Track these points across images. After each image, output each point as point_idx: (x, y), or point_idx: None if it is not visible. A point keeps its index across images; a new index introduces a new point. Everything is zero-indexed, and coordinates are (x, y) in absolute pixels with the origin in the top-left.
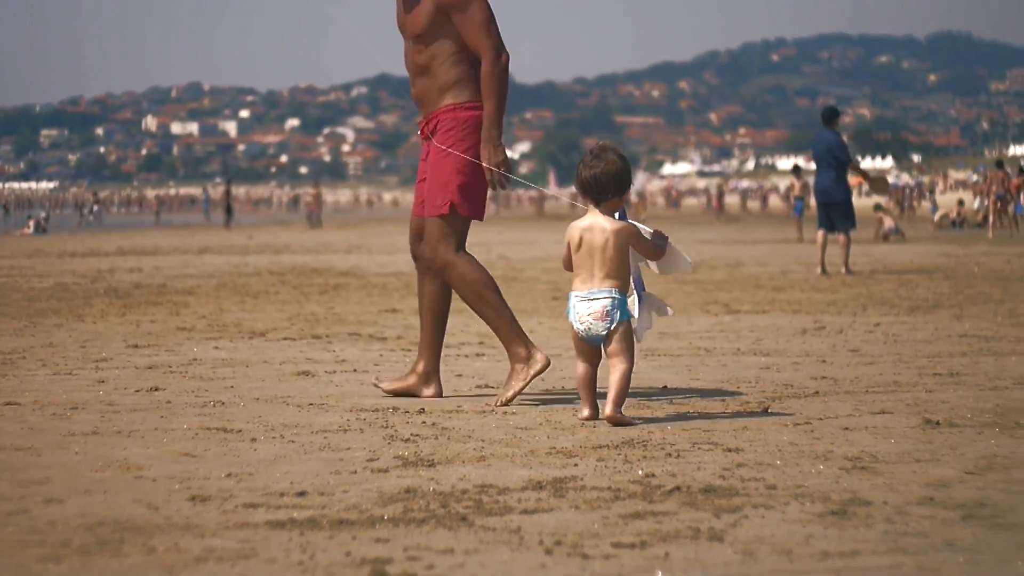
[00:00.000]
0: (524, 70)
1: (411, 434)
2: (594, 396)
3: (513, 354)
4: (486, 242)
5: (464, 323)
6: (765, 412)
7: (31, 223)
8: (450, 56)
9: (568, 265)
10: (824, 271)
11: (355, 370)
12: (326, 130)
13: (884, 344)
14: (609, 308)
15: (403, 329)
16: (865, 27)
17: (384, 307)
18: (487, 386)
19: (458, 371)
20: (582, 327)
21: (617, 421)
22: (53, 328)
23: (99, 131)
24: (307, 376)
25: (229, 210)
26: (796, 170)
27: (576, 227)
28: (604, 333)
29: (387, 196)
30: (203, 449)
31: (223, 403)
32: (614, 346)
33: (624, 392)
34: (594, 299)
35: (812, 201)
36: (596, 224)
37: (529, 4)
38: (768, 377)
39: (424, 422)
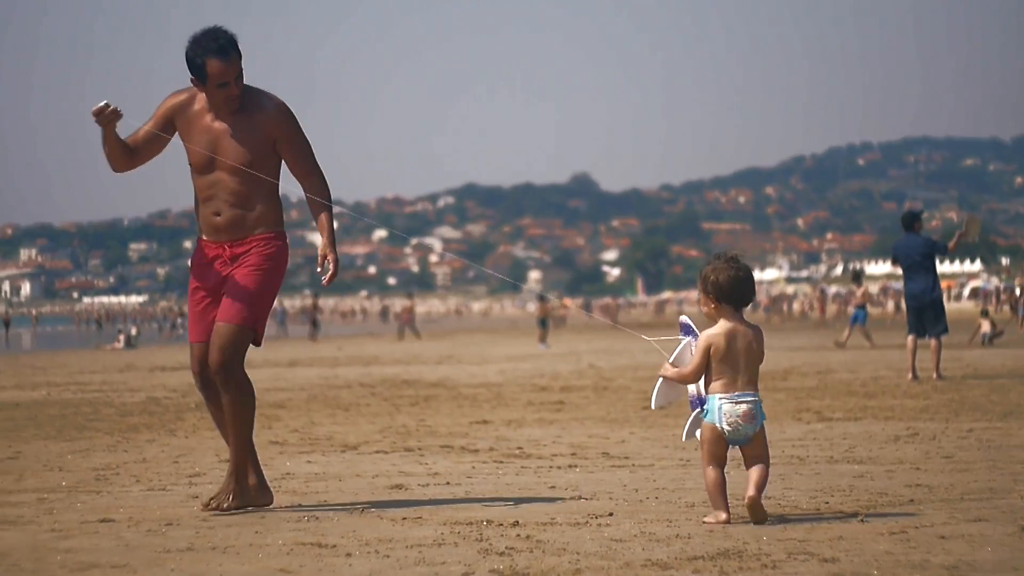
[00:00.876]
0: (610, 178)
1: (506, 547)
2: (727, 499)
3: (243, 474)
4: (575, 351)
5: (555, 435)
6: (860, 521)
7: (121, 337)
8: (272, 189)
9: (696, 375)
10: (915, 376)
11: (448, 483)
12: (414, 240)
13: (978, 450)
14: (755, 411)
15: (495, 441)
16: (950, 130)
17: (475, 418)
18: (580, 498)
19: (551, 483)
20: (729, 428)
21: (758, 504)
22: (146, 443)
23: (187, 244)
24: (400, 489)
25: (315, 323)
26: (857, 277)
27: (719, 334)
28: (751, 434)
29: (476, 306)
30: (298, 565)
31: (317, 518)
32: (758, 446)
33: (766, 482)
34: (741, 401)
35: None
36: (739, 329)
37: (613, 112)
38: (862, 485)
39: (519, 535)
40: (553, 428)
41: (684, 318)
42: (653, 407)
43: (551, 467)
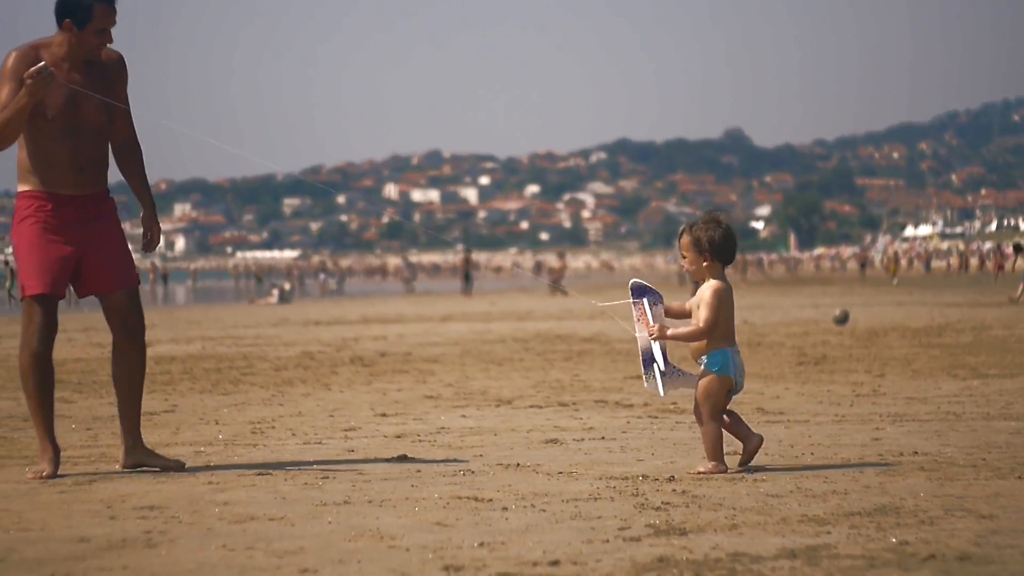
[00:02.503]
0: (763, 133)
1: (662, 502)
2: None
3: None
4: None
5: None
6: (1018, 478)
7: (275, 292)
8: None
9: (711, 330)
10: None
11: (603, 438)
12: (566, 196)
13: None
14: None
15: (649, 396)
16: None
17: (629, 374)
18: (736, 453)
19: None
20: (742, 379)
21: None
22: (301, 397)
23: (341, 199)
24: (555, 444)
25: (468, 277)
26: (1018, 248)
27: (726, 288)
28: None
29: (627, 261)
30: (455, 518)
31: (472, 472)
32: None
33: None
34: (738, 353)
35: None
36: (728, 284)
37: (768, 67)
38: (1019, 442)
39: (674, 490)
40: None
41: (636, 280)
42: (656, 391)
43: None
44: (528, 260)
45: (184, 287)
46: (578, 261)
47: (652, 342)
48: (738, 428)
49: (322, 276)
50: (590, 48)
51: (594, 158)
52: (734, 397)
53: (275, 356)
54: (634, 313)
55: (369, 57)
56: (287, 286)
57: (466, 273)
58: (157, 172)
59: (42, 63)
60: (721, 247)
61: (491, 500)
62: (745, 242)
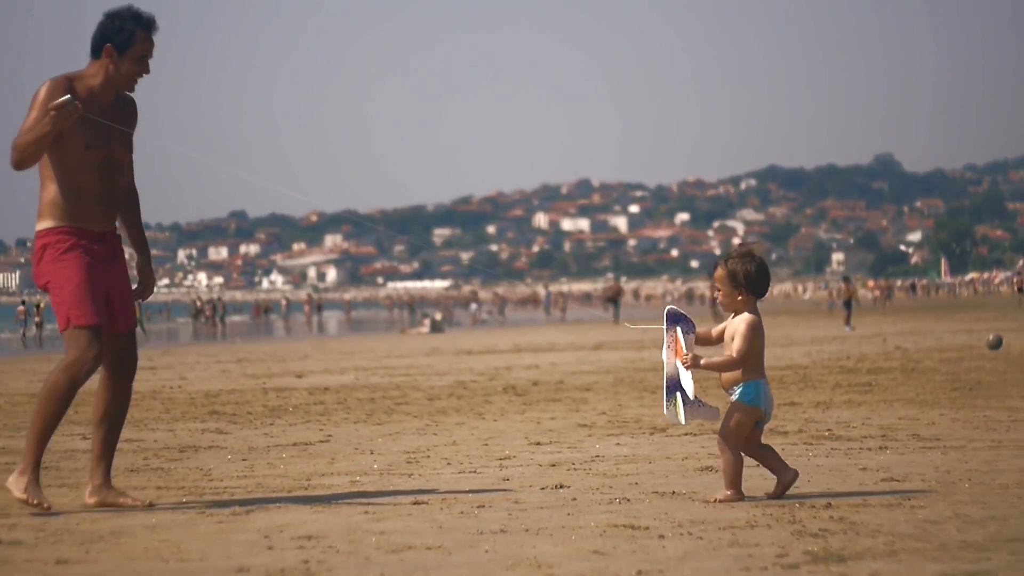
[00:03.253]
0: (913, 158)
1: (819, 529)
2: None
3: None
4: (881, 332)
5: (864, 416)
6: None
7: (427, 322)
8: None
9: (745, 360)
10: None
11: (758, 465)
12: (716, 223)
13: None
14: None
15: (804, 423)
16: None
17: (783, 400)
18: (892, 479)
19: (862, 464)
20: (771, 410)
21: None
22: (455, 426)
23: (491, 229)
24: (710, 471)
25: (616, 305)
26: None
27: (758, 320)
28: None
29: (778, 288)
30: (612, 546)
31: (628, 499)
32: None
33: None
34: (768, 385)
35: None
36: (760, 317)
37: (917, 91)
38: None
39: (831, 516)
40: (862, 410)
41: (672, 308)
42: (675, 420)
43: (861, 448)
44: (678, 288)
45: (336, 317)
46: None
47: (682, 370)
48: (773, 461)
49: (474, 306)
50: (738, 75)
51: (744, 185)
52: (764, 427)
53: (428, 386)
54: (666, 339)
55: (519, 87)
56: (438, 316)
57: (615, 301)
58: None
59: (68, 96)
60: (756, 281)
61: (648, 528)
62: (896, 268)
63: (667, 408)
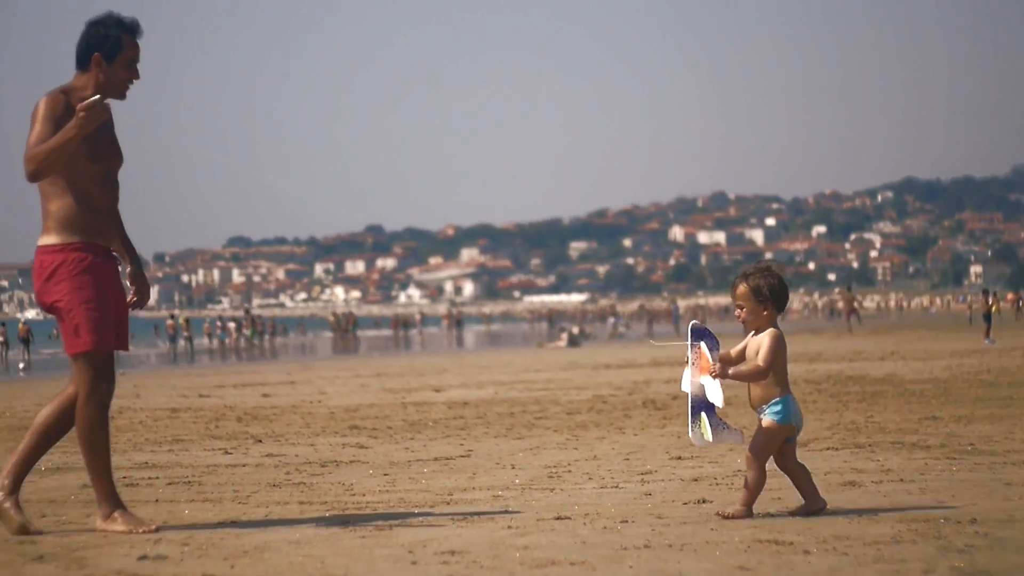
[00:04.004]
0: None
1: (965, 544)
2: None
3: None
4: (1021, 346)
5: (1006, 431)
6: None
7: (564, 336)
8: None
9: (769, 372)
10: None
11: (902, 480)
12: (853, 236)
13: None
14: None
15: (946, 437)
16: None
17: (924, 415)
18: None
19: (1007, 479)
20: (801, 424)
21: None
22: (595, 441)
23: (627, 242)
24: (853, 487)
25: (856, 315)
26: None
27: (782, 335)
28: None
29: (916, 301)
30: (756, 562)
31: (772, 515)
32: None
33: None
34: (795, 400)
35: None
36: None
37: None
38: None
39: (977, 532)
40: (1004, 424)
41: (696, 323)
42: (701, 442)
43: (1005, 463)
44: (815, 301)
45: (476, 331)
46: (869, 301)
47: (709, 384)
48: (805, 484)
49: (611, 320)
50: (875, 86)
51: (880, 197)
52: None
53: (567, 400)
54: (690, 356)
55: (655, 100)
56: (576, 329)
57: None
58: (444, 217)
59: (98, 96)
60: (780, 295)
61: (792, 543)
62: None
63: (692, 429)
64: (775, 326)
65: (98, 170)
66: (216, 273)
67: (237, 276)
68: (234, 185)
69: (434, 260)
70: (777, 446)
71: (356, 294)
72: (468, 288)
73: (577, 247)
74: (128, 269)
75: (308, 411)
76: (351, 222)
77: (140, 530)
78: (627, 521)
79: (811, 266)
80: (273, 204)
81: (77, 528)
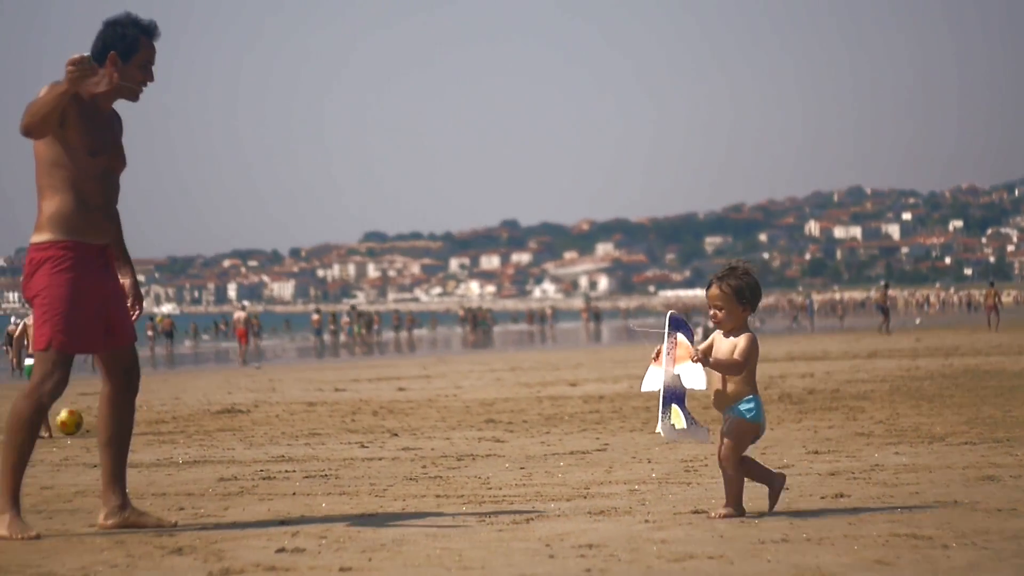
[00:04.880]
0: None
1: None
2: None
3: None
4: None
5: None
6: None
7: (699, 330)
8: None
9: (747, 362)
10: None
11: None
12: (990, 230)
13: None
14: None
15: None
16: None
17: None
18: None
19: None
20: (765, 429)
21: None
22: None
23: (762, 237)
24: (992, 481)
25: (886, 313)
26: None
27: (756, 337)
28: None
29: None
30: (895, 556)
31: (909, 509)
32: None
33: None
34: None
35: None
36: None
37: None
38: None
39: None
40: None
41: (674, 313)
42: (672, 434)
43: None
44: (953, 296)
45: (608, 326)
46: (1006, 296)
47: (687, 373)
48: (760, 472)
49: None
50: (1009, 80)
51: (1018, 191)
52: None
53: (703, 394)
54: (665, 346)
55: (791, 93)
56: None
57: (884, 308)
58: (579, 211)
59: (86, 54)
60: (756, 295)
61: (931, 538)
62: None
63: (662, 420)
64: (747, 326)
65: (96, 166)
66: (351, 268)
67: (372, 271)
68: (370, 180)
69: (569, 255)
70: (748, 444)
71: (491, 289)
72: (603, 283)
73: (712, 241)
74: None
75: (444, 405)
76: (486, 217)
77: (19, 536)
78: (765, 515)
79: (947, 260)
80: (409, 199)
81: (215, 521)
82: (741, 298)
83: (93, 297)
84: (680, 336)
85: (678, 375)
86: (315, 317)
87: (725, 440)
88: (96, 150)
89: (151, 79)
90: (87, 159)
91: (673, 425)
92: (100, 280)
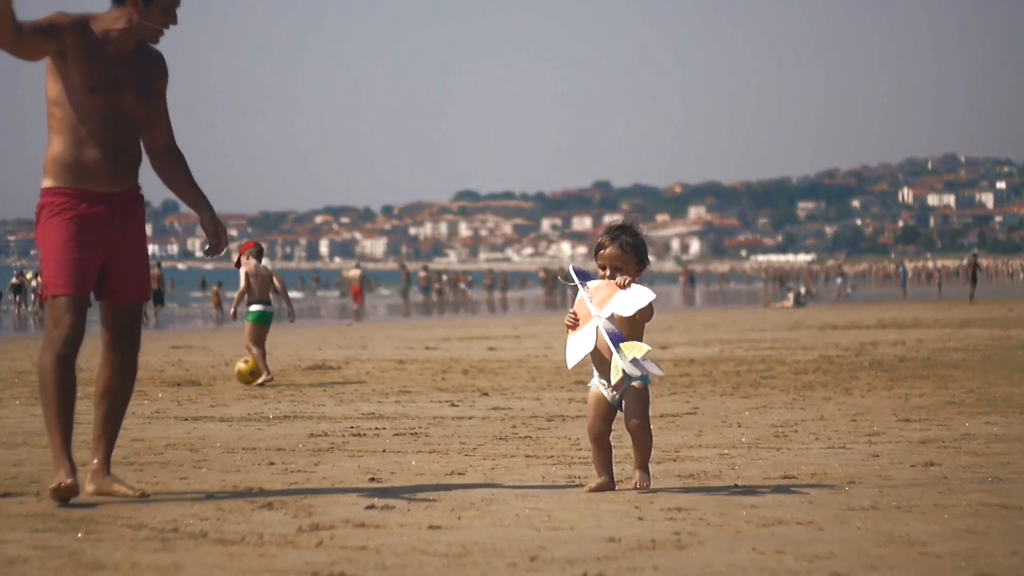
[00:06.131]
0: None
1: None
2: None
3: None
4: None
5: None
6: None
7: (790, 296)
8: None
9: (651, 315)
10: None
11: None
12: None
13: None
14: None
15: None
16: None
17: None
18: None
19: None
20: None
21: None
22: (822, 401)
23: (855, 203)
24: None
25: (975, 281)
26: None
27: None
28: None
29: None
30: (985, 526)
31: (1000, 479)
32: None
33: None
34: None
35: None
36: None
37: None
38: None
39: None
40: None
41: (575, 266)
42: (635, 367)
43: None
44: None
45: (702, 290)
46: None
47: (623, 300)
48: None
49: (839, 280)
50: None
51: None
52: None
53: (793, 360)
54: (586, 294)
55: (885, 59)
56: (803, 290)
57: (973, 276)
58: (672, 174)
59: None
60: (647, 252)
61: (1021, 508)
62: None
63: (622, 360)
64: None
65: (96, 104)
66: (443, 227)
67: (464, 230)
68: (462, 139)
69: (661, 217)
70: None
71: (582, 250)
72: (694, 246)
73: (805, 207)
74: (201, 218)
75: (534, 365)
76: (579, 178)
77: (59, 491)
78: (854, 482)
79: None
80: (501, 159)
81: (306, 476)
82: (639, 254)
83: (91, 244)
84: (591, 282)
85: (613, 312)
86: (422, 274)
87: (635, 404)
88: (96, 87)
89: (174, 22)
90: (86, 96)
91: (636, 358)
92: (102, 229)
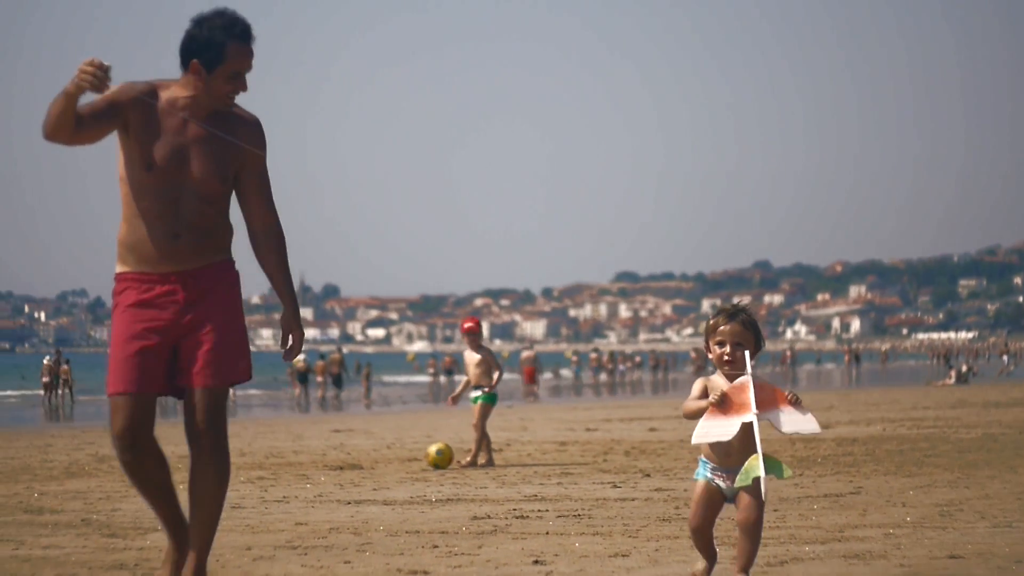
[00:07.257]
0: None
1: None
2: None
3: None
4: None
5: None
6: None
7: (953, 373)
8: (228, 210)
9: None
10: None
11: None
12: None
13: None
14: None
15: None
16: None
17: None
18: None
19: None
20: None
21: None
22: (987, 479)
23: (1017, 280)
24: None
25: None
26: None
27: None
28: None
29: None
30: None
31: None
32: None
33: None
34: None
35: None
36: None
37: None
38: None
39: None
40: None
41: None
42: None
43: None
44: None
45: (870, 368)
46: None
47: (796, 421)
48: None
49: (1004, 358)
50: None
51: None
52: None
53: (956, 438)
54: (752, 386)
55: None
56: (965, 367)
57: None
58: (833, 253)
59: (108, 63)
60: (761, 333)
61: None
62: None
63: (762, 471)
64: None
65: (153, 181)
66: (603, 308)
67: (624, 311)
68: (622, 220)
69: (821, 296)
70: None
71: None
72: (855, 324)
73: (967, 284)
74: (282, 313)
75: (696, 446)
76: (738, 258)
77: None
78: (1021, 561)
79: None
80: (661, 239)
81: (470, 559)
82: (758, 335)
83: (153, 332)
84: (747, 376)
85: (771, 420)
86: (592, 355)
87: (755, 501)
88: (153, 163)
89: (242, 89)
90: (144, 174)
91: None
92: (167, 313)
